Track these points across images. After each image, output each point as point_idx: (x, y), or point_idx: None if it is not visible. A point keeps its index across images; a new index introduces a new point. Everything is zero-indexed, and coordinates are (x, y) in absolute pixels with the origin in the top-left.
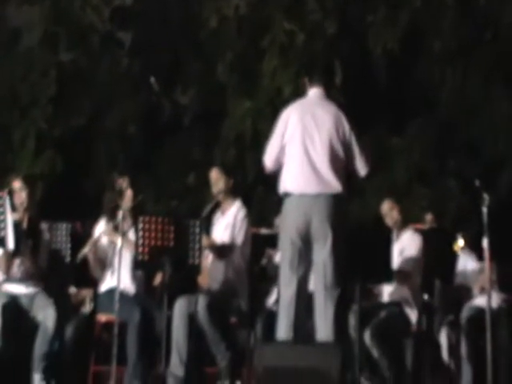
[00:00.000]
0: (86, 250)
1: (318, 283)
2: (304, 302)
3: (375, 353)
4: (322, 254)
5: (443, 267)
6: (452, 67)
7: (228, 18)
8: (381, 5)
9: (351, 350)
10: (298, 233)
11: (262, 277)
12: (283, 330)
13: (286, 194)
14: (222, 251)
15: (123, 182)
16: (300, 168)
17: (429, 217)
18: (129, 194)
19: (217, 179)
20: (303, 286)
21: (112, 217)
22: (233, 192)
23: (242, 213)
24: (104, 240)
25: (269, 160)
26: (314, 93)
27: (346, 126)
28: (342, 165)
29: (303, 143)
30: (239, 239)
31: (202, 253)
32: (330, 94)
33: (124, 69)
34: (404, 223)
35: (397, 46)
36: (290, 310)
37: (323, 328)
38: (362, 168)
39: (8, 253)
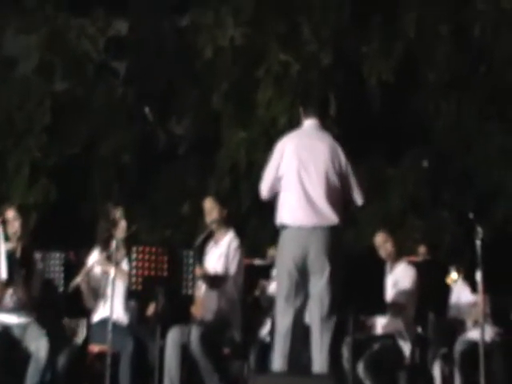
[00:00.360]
0: (79, 279)
1: (314, 315)
2: (300, 333)
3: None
4: (318, 285)
5: (437, 300)
6: (446, 99)
7: (223, 48)
8: (375, 36)
9: (345, 381)
10: (295, 265)
11: (256, 308)
12: (278, 361)
13: (283, 226)
14: (214, 281)
15: (117, 213)
16: (296, 201)
17: (422, 249)
18: (122, 224)
19: (210, 209)
20: (299, 317)
21: (105, 247)
22: (226, 222)
23: (236, 243)
24: (97, 270)
25: (265, 189)
26: (309, 124)
27: (342, 157)
28: (338, 196)
29: (299, 175)
30: (232, 269)
31: (195, 283)
32: (325, 124)
33: (119, 98)
34: (398, 255)
35: (391, 77)
36: (285, 342)
37: (319, 359)
38: (358, 198)
39: (1, 283)
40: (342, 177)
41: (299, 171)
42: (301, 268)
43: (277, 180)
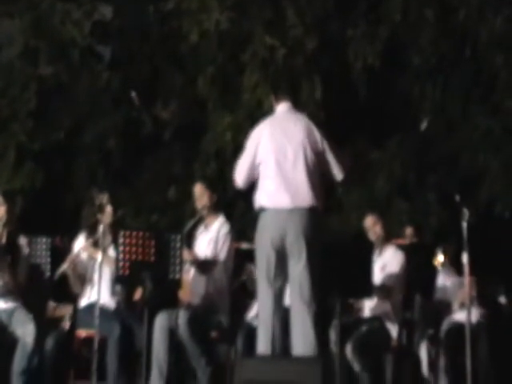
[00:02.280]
0: (65, 266)
1: (293, 298)
2: (280, 315)
3: (356, 366)
4: (297, 268)
5: (423, 282)
6: (431, 83)
7: (209, 32)
8: (361, 20)
9: (332, 364)
10: (274, 247)
11: (242, 292)
12: (262, 344)
13: (262, 209)
14: (204, 266)
15: (103, 198)
16: (275, 185)
17: (408, 230)
18: (109, 209)
19: (201, 194)
20: (279, 299)
21: (91, 232)
22: (216, 207)
23: (226, 228)
24: (84, 255)
25: (239, 179)
26: (281, 108)
27: (317, 135)
28: (316, 177)
29: (276, 160)
30: (222, 254)
31: (182, 267)
32: (297, 106)
33: (104, 83)
34: (386, 239)
35: (377, 61)
36: (267, 325)
37: (300, 342)
38: (338, 173)
39: None
40: (319, 155)
41: (276, 156)
42: (279, 250)
43: (254, 168)
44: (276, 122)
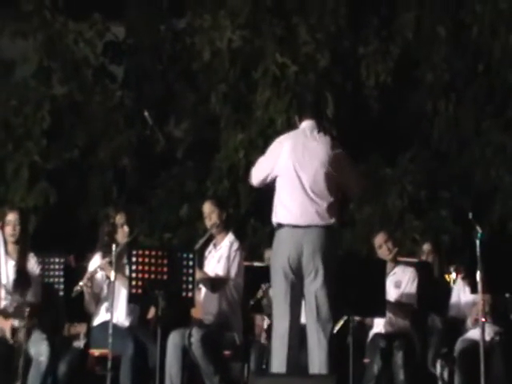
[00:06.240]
0: (82, 284)
1: (309, 316)
2: (297, 334)
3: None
4: (313, 286)
5: (437, 300)
6: (444, 99)
7: (221, 50)
8: (373, 37)
9: (346, 381)
10: (290, 264)
11: (257, 310)
12: (276, 363)
13: (279, 225)
14: (215, 285)
15: (120, 218)
16: (292, 201)
17: (426, 246)
18: (125, 229)
19: (210, 212)
20: (296, 318)
21: (107, 251)
22: (226, 225)
23: (235, 245)
24: (99, 274)
25: (255, 180)
26: (305, 125)
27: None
28: (335, 194)
29: (295, 175)
30: (233, 271)
31: (195, 285)
32: (322, 125)
33: (117, 102)
34: (398, 255)
35: (389, 78)
36: (283, 343)
37: (316, 361)
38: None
39: (1, 287)
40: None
41: (295, 171)
42: (296, 267)
43: (270, 177)
44: (298, 137)
